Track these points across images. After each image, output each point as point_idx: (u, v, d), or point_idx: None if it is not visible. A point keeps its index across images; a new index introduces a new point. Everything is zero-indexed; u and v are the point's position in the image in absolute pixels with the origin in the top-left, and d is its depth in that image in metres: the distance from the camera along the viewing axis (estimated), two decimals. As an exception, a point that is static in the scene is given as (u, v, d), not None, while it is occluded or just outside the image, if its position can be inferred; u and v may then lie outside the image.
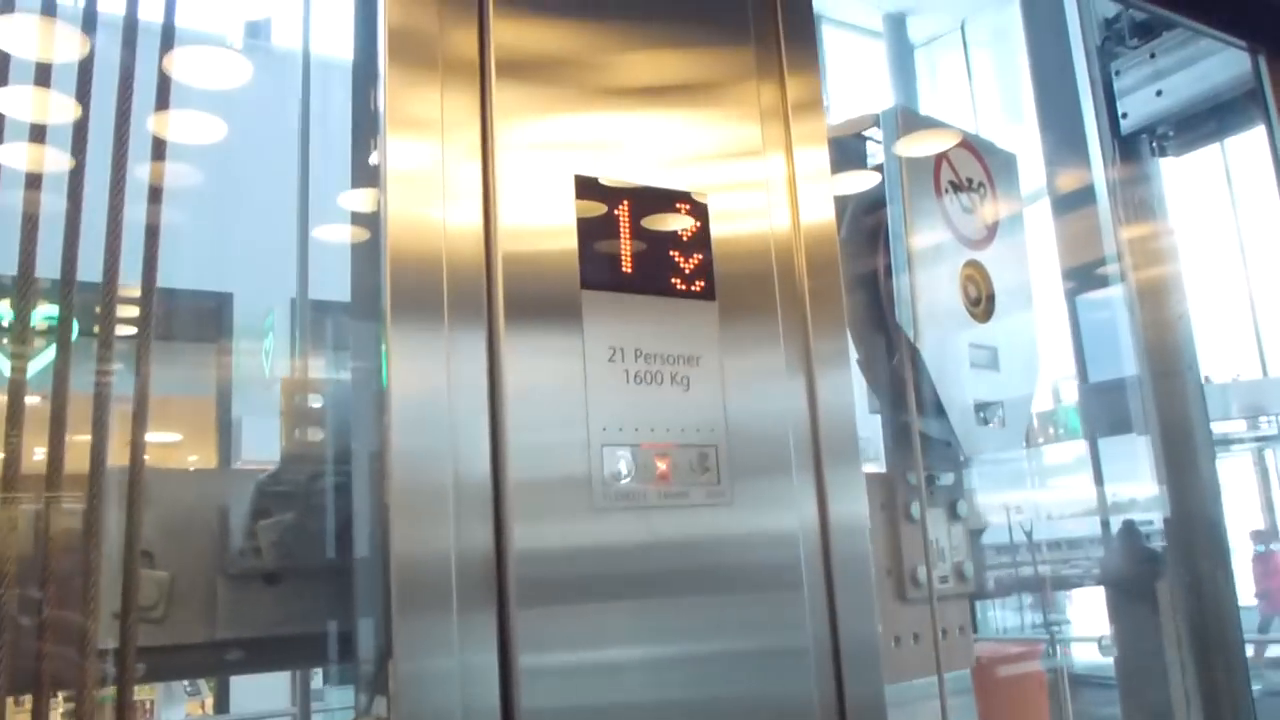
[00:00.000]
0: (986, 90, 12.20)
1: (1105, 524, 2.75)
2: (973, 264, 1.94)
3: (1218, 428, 11.20)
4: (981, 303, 1.94)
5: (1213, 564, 2.65)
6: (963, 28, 12.40)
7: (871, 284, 1.88)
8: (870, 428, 1.91)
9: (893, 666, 1.79)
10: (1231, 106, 2.64)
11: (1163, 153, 2.82)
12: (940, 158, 1.95)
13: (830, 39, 12.72)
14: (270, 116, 4.30)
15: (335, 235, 1.48)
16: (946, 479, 1.92)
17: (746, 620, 1.21)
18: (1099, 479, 2.93)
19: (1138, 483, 2.74)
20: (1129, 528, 2.71)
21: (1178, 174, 3.04)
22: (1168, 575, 2.68)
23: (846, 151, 1.99)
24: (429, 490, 1.05)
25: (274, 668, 1.92)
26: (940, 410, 1.83)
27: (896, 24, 12.62)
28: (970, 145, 2.04)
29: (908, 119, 1.91)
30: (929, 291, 1.82)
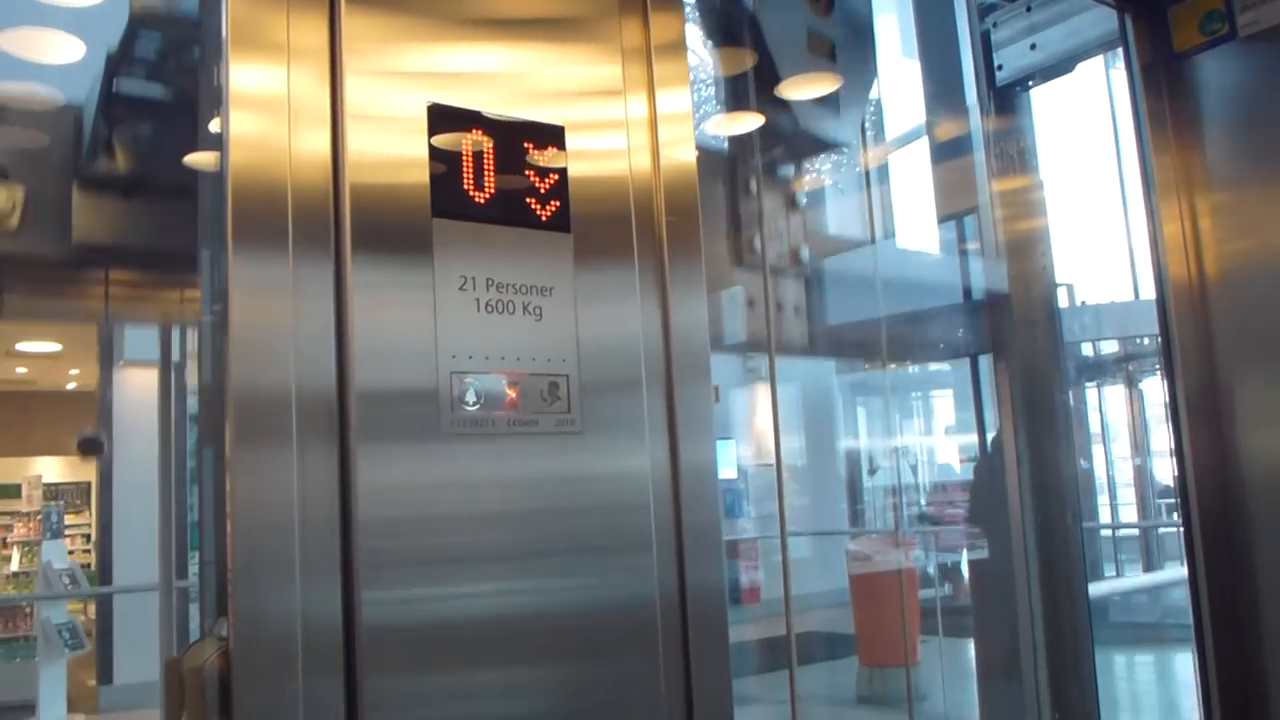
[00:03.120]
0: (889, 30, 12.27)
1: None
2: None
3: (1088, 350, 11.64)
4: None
5: (1060, 498, 2.80)
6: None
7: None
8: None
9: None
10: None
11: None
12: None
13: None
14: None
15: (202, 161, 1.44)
16: (786, 171, 1.91)
17: (594, 535, 1.23)
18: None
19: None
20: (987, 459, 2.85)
21: (1060, 101, 3.10)
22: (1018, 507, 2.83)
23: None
24: (270, 425, 1.04)
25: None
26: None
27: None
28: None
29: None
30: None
